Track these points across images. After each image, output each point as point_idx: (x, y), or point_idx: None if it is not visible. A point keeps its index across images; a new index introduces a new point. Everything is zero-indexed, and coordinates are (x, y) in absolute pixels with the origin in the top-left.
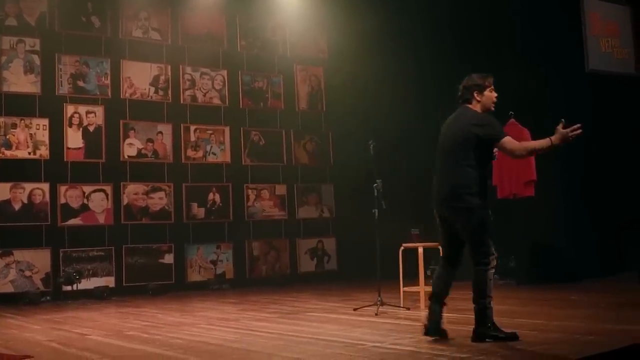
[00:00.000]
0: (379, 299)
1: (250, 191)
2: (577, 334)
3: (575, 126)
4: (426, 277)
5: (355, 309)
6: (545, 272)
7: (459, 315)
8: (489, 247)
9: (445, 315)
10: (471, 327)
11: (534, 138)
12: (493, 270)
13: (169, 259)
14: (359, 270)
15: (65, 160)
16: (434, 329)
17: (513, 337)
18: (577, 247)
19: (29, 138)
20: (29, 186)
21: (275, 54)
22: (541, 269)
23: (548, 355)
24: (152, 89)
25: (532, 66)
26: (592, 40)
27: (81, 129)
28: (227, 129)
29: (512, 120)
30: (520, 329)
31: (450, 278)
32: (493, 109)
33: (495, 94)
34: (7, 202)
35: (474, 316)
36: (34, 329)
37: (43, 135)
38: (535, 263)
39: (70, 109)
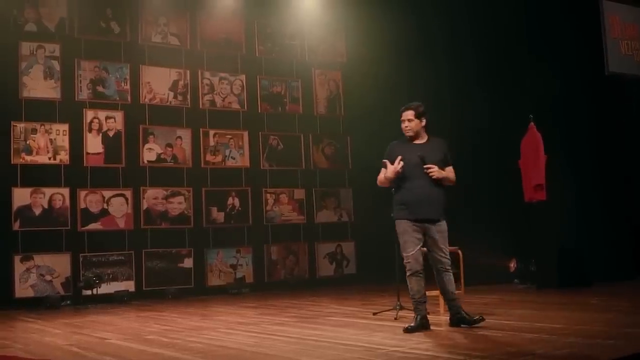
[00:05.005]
0: (398, 303)
1: (269, 195)
2: (598, 338)
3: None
4: None
5: (374, 314)
6: (566, 276)
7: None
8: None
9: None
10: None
11: (551, 141)
12: (408, 272)
13: (188, 263)
14: (378, 274)
15: (85, 165)
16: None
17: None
18: (597, 250)
19: (49, 143)
20: (49, 191)
21: (294, 59)
22: (562, 272)
23: (567, 359)
24: (171, 94)
25: (551, 69)
26: (612, 43)
27: (101, 134)
28: (245, 134)
29: (532, 124)
30: (540, 334)
31: None
32: (406, 134)
33: (403, 124)
34: (28, 207)
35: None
36: (54, 333)
37: (63, 141)
38: (556, 267)
39: (89, 114)
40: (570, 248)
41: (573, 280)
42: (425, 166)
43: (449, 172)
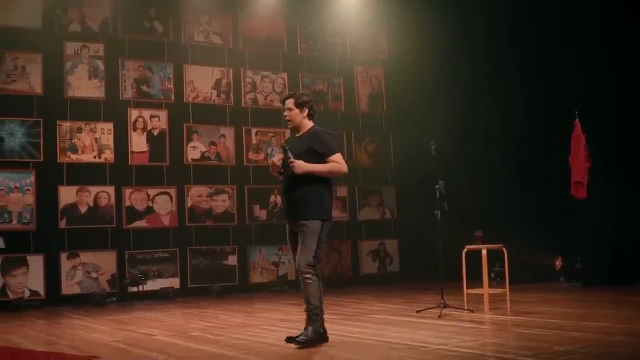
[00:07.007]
0: (442, 301)
1: None
2: None
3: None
4: (490, 279)
5: (418, 311)
6: (612, 274)
7: (524, 318)
8: None
9: (510, 318)
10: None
11: (595, 138)
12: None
13: (232, 260)
14: (422, 272)
15: (130, 163)
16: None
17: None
18: None
19: (94, 142)
20: (94, 189)
21: (336, 56)
22: (608, 271)
23: (614, 358)
24: (215, 93)
25: (593, 65)
26: None
27: (145, 132)
28: (287, 132)
29: (576, 120)
30: (586, 332)
31: None
32: (288, 124)
33: (284, 113)
34: (74, 205)
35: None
36: (100, 329)
37: (108, 139)
38: (602, 265)
39: (134, 113)
40: (616, 246)
41: (618, 279)
42: (289, 161)
43: (328, 164)
